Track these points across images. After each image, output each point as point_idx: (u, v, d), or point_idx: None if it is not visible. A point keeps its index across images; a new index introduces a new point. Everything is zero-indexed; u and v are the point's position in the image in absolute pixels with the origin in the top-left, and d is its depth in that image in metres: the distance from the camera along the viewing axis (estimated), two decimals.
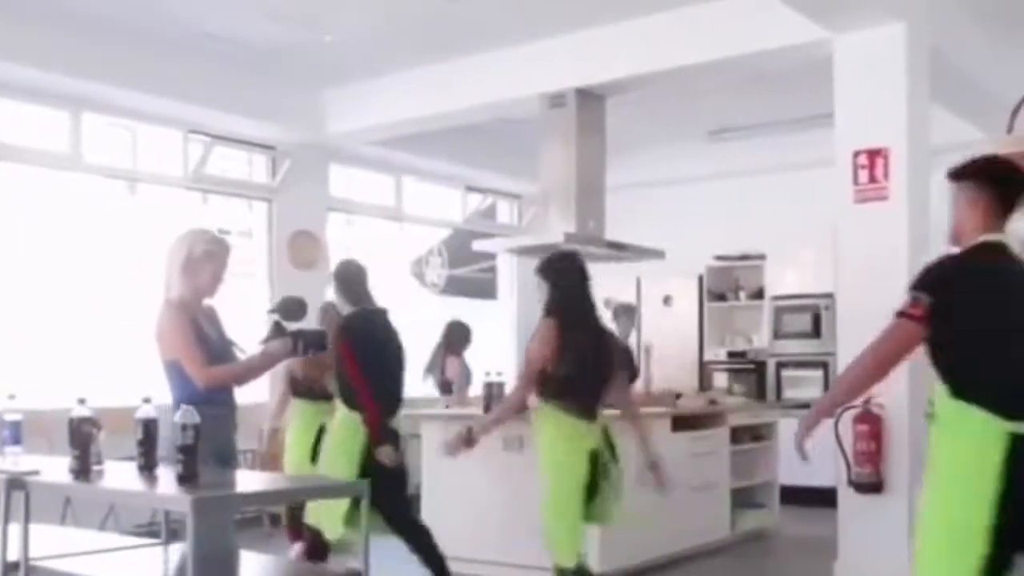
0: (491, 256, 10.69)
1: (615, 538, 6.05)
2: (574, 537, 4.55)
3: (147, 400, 3.60)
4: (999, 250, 3.21)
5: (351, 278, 5.38)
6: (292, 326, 4.32)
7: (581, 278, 4.72)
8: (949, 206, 3.37)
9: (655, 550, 6.52)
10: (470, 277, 11.43)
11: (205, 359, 3.90)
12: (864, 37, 6.12)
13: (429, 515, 6.62)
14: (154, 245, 8.42)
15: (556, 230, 7.16)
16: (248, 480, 3.74)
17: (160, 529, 4.08)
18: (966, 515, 2.97)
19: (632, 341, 8.66)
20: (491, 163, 10.27)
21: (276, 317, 4.72)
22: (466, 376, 7.95)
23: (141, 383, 4.32)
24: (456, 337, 8.01)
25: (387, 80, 8.22)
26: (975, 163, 3.42)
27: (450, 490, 6.44)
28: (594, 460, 4.57)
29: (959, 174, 3.39)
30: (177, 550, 3.77)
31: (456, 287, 11.02)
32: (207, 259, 4.02)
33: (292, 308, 5.55)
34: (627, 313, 8.11)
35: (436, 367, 7.91)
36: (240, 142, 8.61)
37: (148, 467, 3.57)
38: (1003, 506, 2.92)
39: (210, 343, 3.98)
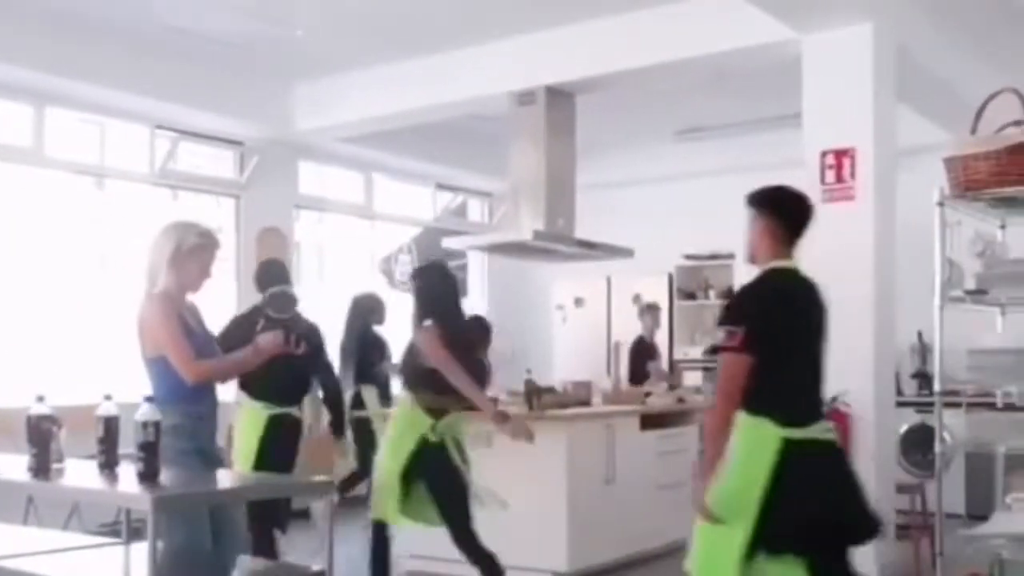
0: (462, 254, 10.66)
1: (583, 537, 6.06)
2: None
3: (108, 397, 3.55)
4: (789, 275, 3.72)
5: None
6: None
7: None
8: (746, 229, 3.81)
9: (623, 549, 6.52)
10: None
11: (193, 354, 3.77)
12: (831, 37, 6.14)
13: None
14: (121, 241, 8.37)
15: (525, 228, 7.14)
16: (211, 478, 3.69)
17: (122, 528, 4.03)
18: (738, 502, 3.44)
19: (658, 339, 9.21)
20: (462, 161, 10.24)
21: (267, 311, 4.67)
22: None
23: (104, 380, 4.28)
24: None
25: (357, 76, 8.18)
26: (766, 192, 3.89)
27: None
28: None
29: (752, 201, 3.86)
30: (140, 549, 3.72)
31: None
32: (195, 252, 3.89)
33: (282, 301, 5.48)
34: (651, 312, 8.83)
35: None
36: (208, 138, 8.54)
37: (109, 465, 3.52)
38: (769, 498, 3.40)
39: (195, 338, 3.85)
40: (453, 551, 5.19)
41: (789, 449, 3.46)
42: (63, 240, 7.99)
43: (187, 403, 3.78)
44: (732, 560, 3.41)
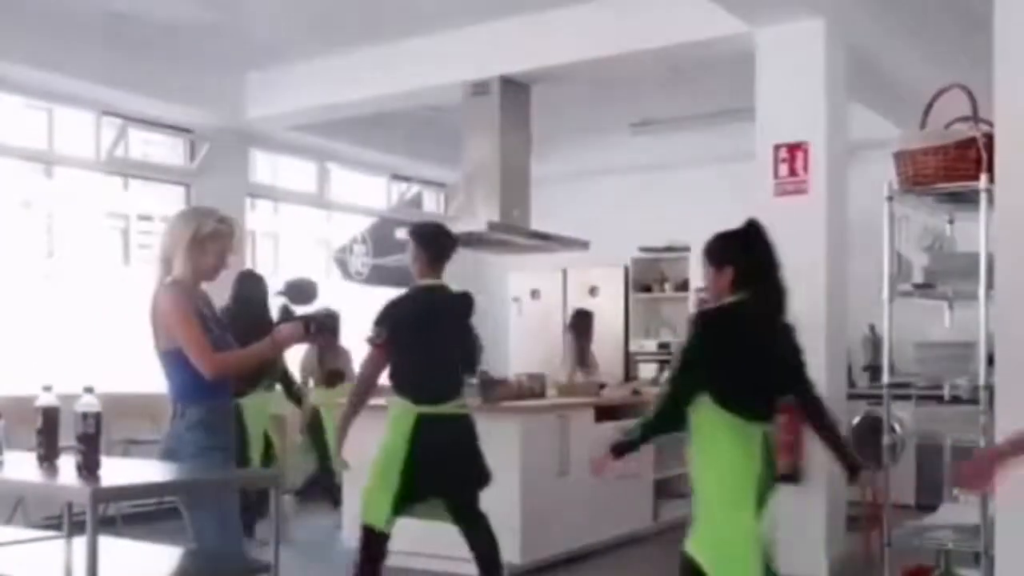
0: None
1: (537, 529, 6.04)
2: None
3: (47, 388, 3.47)
4: (433, 289, 4.82)
5: None
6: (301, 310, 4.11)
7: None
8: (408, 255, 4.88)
9: (577, 541, 6.51)
10: (395, 266, 11.33)
11: (211, 346, 3.60)
12: (784, 32, 6.17)
13: (350, 505, 6.55)
14: (70, 230, 8.22)
15: (480, 219, 7.11)
16: (156, 470, 3.62)
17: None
18: (390, 464, 4.64)
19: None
20: (417, 151, 10.18)
21: (284, 301, 4.53)
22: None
23: (47, 371, 4.20)
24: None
25: (309, 65, 8.08)
26: (416, 227, 5.01)
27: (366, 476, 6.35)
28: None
29: (408, 234, 4.91)
30: (81, 543, 3.64)
31: (381, 276, 10.91)
32: (213, 239, 3.70)
33: (301, 291, 5.40)
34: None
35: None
36: (156, 125, 8.40)
37: (48, 457, 3.44)
38: (408, 460, 4.61)
39: (211, 330, 3.68)
40: (396, 542, 5.16)
41: (422, 421, 4.63)
42: (8, 228, 7.84)
43: (208, 397, 3.68)
44: (386, 507, 4.63)
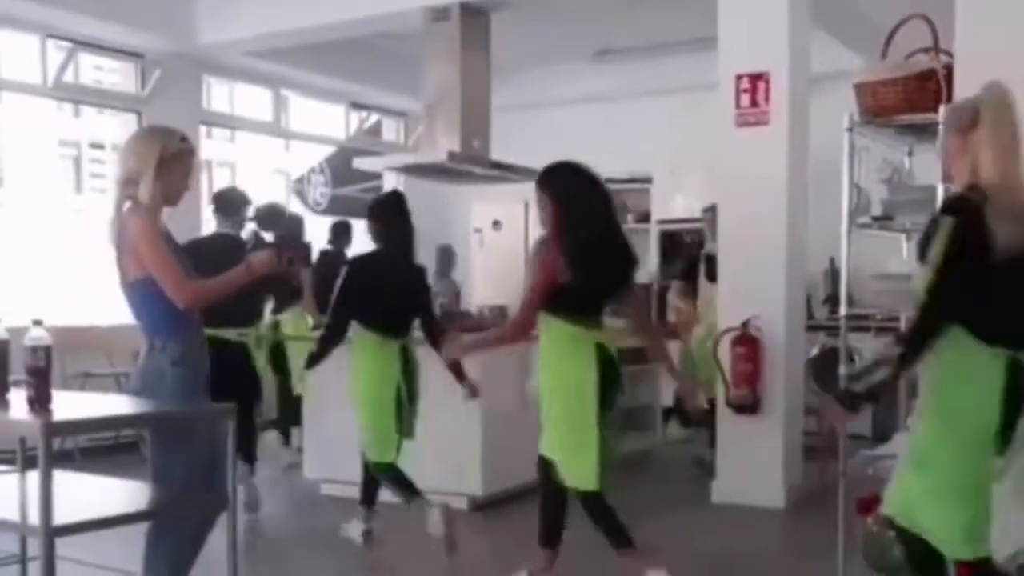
0: (376, 175, 10.49)
1: (498, 461, 6.06)
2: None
3: None
4: None
5: None
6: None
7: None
8: None
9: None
10: (354, 196, 11.21)
11: (183, 274, 3.44)
12: None
13: (310, 440, 6.55)
14: (19, 157, 8.03)
15: (440, 149, 7.01)
16: (108, 404, 3.57)
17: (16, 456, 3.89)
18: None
19: None
20: (376, 79, 10.00)
21: (253, 226, 4.36)
22: None
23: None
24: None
25: None
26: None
27: (331, 412, 6.34)
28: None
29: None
30: (34, 477, 3.60)
31: (340, 207, 10.80)
32: (180, 159, 3.53)
33: (270, 216, 5.23)
34: None
35: None
36: (105, 49, 8.15)
37: None
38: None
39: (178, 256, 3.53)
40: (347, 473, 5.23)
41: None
42: None
43: (186, 329, 3.53)
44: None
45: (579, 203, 4.14)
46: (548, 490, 4.29)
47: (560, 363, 4.14)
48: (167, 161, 3.49)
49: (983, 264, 2.91)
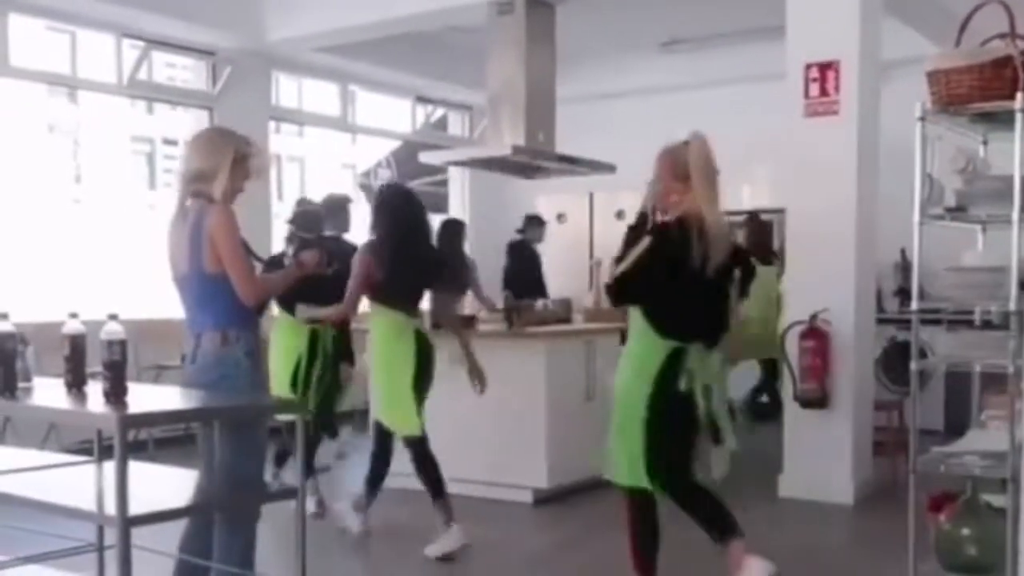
0: (443, 169, 10.53)
1: (563, 454, 6.07)
2: None
3: (74, 315, 3.48)
4: None
5: None
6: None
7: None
8: None
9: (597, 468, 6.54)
10: (420, 190, 11.28)
11: (252, 270, 3.62)
12: None
13: None
14: (96, 155, 8.22)
15: (505, 143, 7.02)
16: (184, 397, 3.64)
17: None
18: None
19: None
20: (442, 73, 10.04)
21: (292, 228, 4.58)
22: None
23: (74, 297, 4.23)
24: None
25: None
26: None
27: None
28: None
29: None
30: (111, 468, 3.68)
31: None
32: (247, 161, 3.66)
33: (309, 219, 5.50)
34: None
35: None
36: (178, 47, 8.31)
37: (76, 384, 3.46)
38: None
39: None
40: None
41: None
42: (35, 153, 7.84)
43: (253, 322, 3.68)
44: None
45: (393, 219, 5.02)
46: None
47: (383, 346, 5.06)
48: (238, 161, 3.60)
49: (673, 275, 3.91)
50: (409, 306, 5.11)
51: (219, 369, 3.63)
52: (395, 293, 5.04)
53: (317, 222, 5.46)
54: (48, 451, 5.81)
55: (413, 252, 5.07)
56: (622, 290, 4.00)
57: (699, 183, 4.05)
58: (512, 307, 6.43)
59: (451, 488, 5.26)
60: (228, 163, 3.57)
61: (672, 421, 3.96)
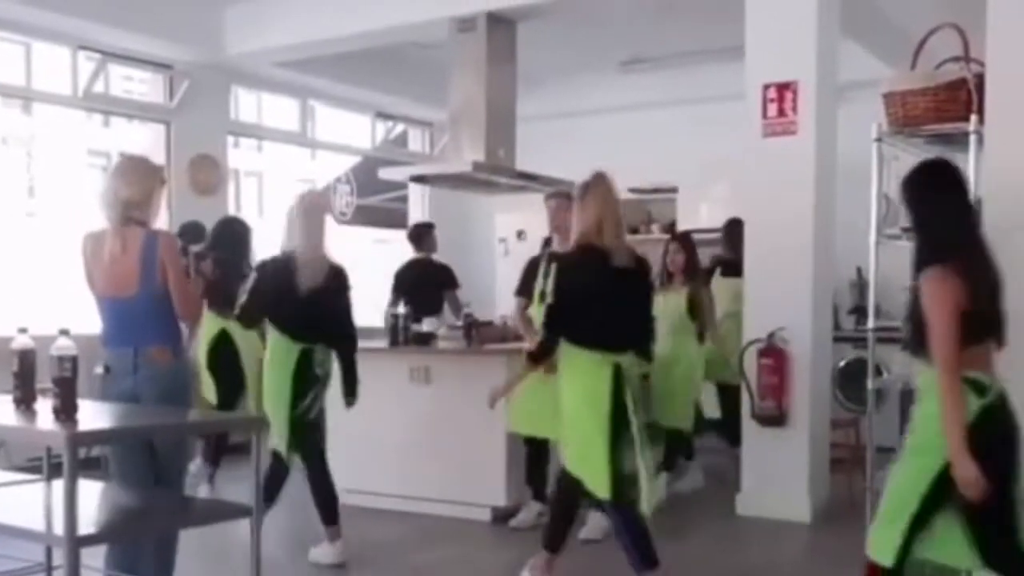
0: (402, 185, 10.50)
1: (521, 471, 6.04)
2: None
3: (23, 330, 3.42)
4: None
5: None
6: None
7: None
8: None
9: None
10: (379, 206, 11.24)
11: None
12: None
13: (334, 449, 6.54)
14: (50, 167, 8.10)
15: (465, 159, 7.01)
16: (131, 414, 3.58)
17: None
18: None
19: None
20: (402, 89, 10.01)
21: (182, 242, 4.84)
22: None
23: (26, 312, 4.17)
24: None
25: None
26: None
27: (355, 423, 6.34)
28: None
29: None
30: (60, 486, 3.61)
31: (365, 216, 10.82)
32: (163, 189, 4.11)
33: (195, 231, 5.89)
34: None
35: None
36: (135, 60, 8.21)
37: (25, 400, 3.40)
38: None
39: None
40: (384, 485, 5.20)
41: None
42: None
43: (181, 340, 4.03)
44: None
45: None
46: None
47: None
48: (160, 189, 4.02)
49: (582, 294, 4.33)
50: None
51: (172, 380, 3.89)
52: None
53: (201, 233, 5.70)
54: None
55: None
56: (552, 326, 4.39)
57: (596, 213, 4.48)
58: (471, 324, 6.40)
59: (409, 507, 5.23)
60: (157, 191, 3.95)
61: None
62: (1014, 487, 3.14)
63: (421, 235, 8.20)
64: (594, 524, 5.39)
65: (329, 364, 5.10)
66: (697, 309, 6.56)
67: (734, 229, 7.15)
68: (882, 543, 3.25)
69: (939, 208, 3.27)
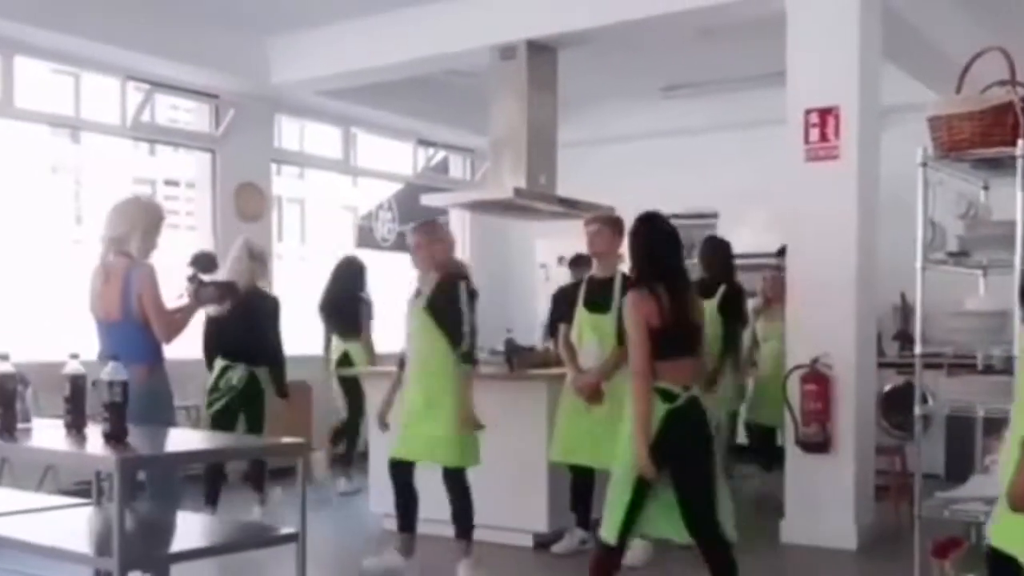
0: (443, 211, 10.55)
1: (563, 496, 6.02)
2: None
3: (75, 356, 3.47)
4: None
5: None
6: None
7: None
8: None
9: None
10: None
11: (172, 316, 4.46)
12: None
13: (376, 473, 6.56)
14: (98, 196, 8.20)
15: (507, 185, 7.05)
16: (180, 439, 3.63)
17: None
18: None
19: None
20: (444, 116, 10.10)
21: (193, 270, 5.33)
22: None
23: (73, 338, 4.24)
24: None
25: (335, 29, 8.00)
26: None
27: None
28: None
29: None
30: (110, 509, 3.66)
31: (406, 243, 10.86)
32: (160, 225, 4.54)
33: (207, 261, 6.15)
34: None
35: None
36: (182, 90, 8.36)
37: (76, 425, 3.46)
38: None
39: None
40: (426, 509, 5.21)
41: None
42: (35, 194, 7.85)
43: (162, 359, 4.47)
44: None
45: None
46: None
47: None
48: (153, 226, 4.48)
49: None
50: None
51: (149, 397, 4.22)
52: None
53: (213, 263, 5.94)
54: (45, 492, 5.78)
55: None
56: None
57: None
58: (512, 349, 6.42)
59: (451, 531, 5.23)
60: (142, 228, 4.40)
61: None
62: (702, 472, 3.95)
63: None
64: (635, 552, 5.34)
65: None
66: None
67: (709, 249, 7.13)
68: (607, 525, 3.97)
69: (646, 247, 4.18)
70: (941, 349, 4.44)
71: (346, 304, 7.82)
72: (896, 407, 7.58)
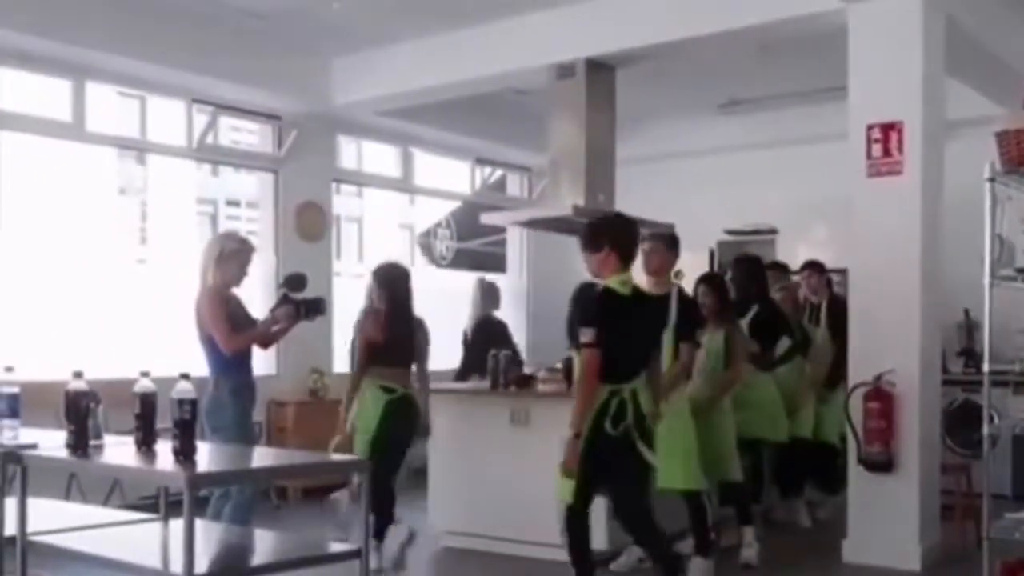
0: (500, 229, 10.61)
1: None
2: None
3: (145, 374, 3.54)
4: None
5: None
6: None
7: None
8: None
9: (665, 526, 6.45)
10: (479, 250, 11.37)
11: (230, 331, 4.94)
12: (879, 7, 6.00)
13: (436, 490, 6.59)
14: (164, 216, 8.42)
15: (565, 203, 7.07)
16: (247, 456, 3.69)
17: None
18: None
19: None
20: (501, 135, 10.15)
21: (284, 289, 5.39)
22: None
23: (143, 356, 4.34)
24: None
25: (395, 49, 8.11)
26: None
27: (456, 465, 6.39)
28: None
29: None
30: (178, 525, 3.72)
31: (465, 260, 10.95)
32: (235, 255, 5.08)
33: (297, 281, 6.15)
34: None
35: None
36: (245, 112, 8.51)
37: (146, 442, 3.52)
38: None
39: (237, 320, 5.04)
40: (486, 527, 5.20)
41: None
42: (104, 214, 8.04)
43: (234, 371, 5.00)
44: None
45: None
46: None
47: None
48: (226, 258, 5.05)
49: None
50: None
51: (212, 405, 4.90)
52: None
53: (302, 283, 6.06)
54: (112, 507, 5.90)
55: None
56: None
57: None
58: (570, 367, 6.41)
59: (510, 549, 5.24)
60: (213, 261, 5.02)
61: None
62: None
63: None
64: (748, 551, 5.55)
65: None
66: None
67: (734, 267, 7.05)
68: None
69: None
70: (1009, 367, 4.37)
71: (496, 326, 8.01)
72: (959, 425, 7.46)
